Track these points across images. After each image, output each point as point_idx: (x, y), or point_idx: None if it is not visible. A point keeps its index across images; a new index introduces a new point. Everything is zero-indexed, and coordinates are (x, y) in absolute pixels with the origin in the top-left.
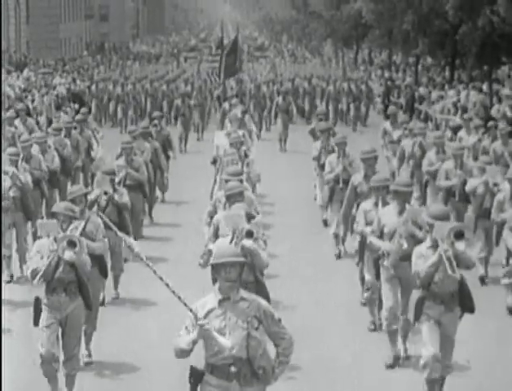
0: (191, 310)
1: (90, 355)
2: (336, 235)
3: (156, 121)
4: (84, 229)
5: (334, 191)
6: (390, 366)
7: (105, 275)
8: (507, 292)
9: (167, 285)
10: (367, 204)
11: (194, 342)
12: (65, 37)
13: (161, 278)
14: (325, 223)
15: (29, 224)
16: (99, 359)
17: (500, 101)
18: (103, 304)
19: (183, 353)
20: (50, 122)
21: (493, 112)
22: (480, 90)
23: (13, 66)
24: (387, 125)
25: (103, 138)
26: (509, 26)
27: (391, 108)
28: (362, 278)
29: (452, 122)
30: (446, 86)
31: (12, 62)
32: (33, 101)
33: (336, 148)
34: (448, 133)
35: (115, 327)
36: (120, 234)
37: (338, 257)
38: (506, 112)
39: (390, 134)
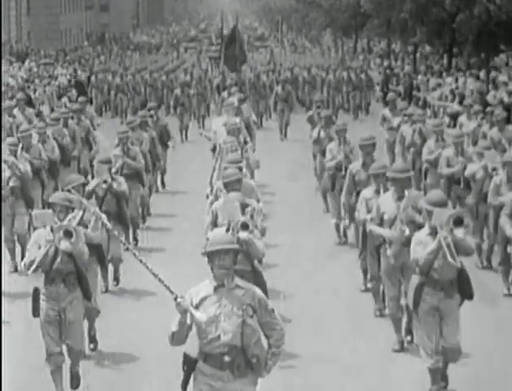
0: (172, 292)
1: (94, 340)
2: (337, 225)
3: (152, 112)
4: (82, 218)
5: (336, 178)
6: (398, 351)
7: (103, 264)
8: (503, 278)
9: (148, 269)
10: (367, 192)
11: (181, 323)
12: (66, 28)
13: (141, 261)
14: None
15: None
16: (98, 349)
17: (496, 88)
18: (106, 291)
19: (174, 337)
20: (52, 112)
21: (489, 98)
22: (477, 78)
23: (14, 56)
24: (386, 111)
25: (100, 126)
26: (506, 14)
27: (390, 95)
28: (364, 268)
29: (449, 109)
30: (444, 74)
31: (13, 53)
32: (35, 91)
33: (336, 136)
34: (446, 120)
35: (114, 318)
36: (107, 224)
37: (339, 243)
38: (503, 98)
39: (390, 121)
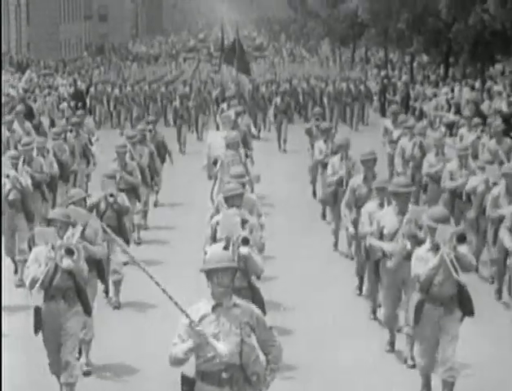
0: (188, 316)
1: (89, 363)
2: (335, 231)
3: (150, 126)
4: (83, 233)
5: (337, 193)
6: (389, 352)
7: (103, 279)
8: (497, 286)
9: (163, 290)
10: (371, 206)
11: (191, 350)
12: (65, 38)
13: (157, 284)
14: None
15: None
16: (100, 362)
17: (491, 98)
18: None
19: (179, 362)
20: (52, 122)
21: (484, 107)
22: (472, 88)
23: (14, 67)
24: (388, 123)
25: (98, 140)
26: (500, 24)
27: (393, 107)
28: (361, 275)
29: (445, 119)
30: (440, 84)
31: (13, 63)
32: (35, 101)
33: (338, 150)
34: (442, 129)
35: (117, 330)
36: (118, 240)
37: (335, 247)
38: (502, 108)
39: (392, 133)
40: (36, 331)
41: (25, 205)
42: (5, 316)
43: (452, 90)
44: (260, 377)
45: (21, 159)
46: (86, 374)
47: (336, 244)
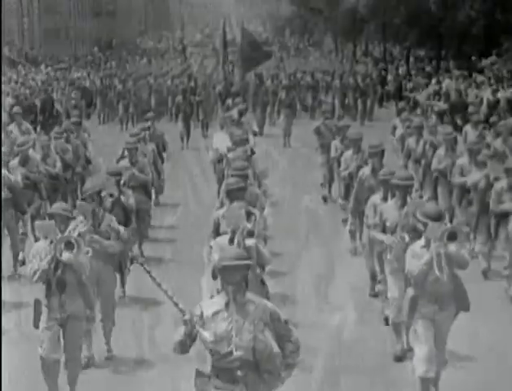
0: (178, 308)
1: (110, 350)
2: (351, 232)
3: (149, 123)
4: (99, 227)
5: (350, 187)
6: (399, 359)
7: (122, 272)
8: (508, 282)
9: (156, 281)
10: (376, 198)
11: (186, 333)
12: (75, 34)
13: (151, 277)
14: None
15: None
16: (115, 356)
17: (477, 87)
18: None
19: (178, 346)
20: (68, 115)
21: (470, 97)
22: (464, 78)
23: (29, 62)
24: (397, 121)
25: (89, 137)
26: (484, 19)
27: (401, 104)
28: (372, 272)
29: (436, 107)
30: (432, 75)
31: (29, 59)
32: (52, 91)
33: (350, 145)
34: (434, 118)
35: (131, 324)
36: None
37: (354, 253)
38: (489, 97)
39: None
40: (36, 325)
41: (14, 201)
42: (4, 311)
43: (439, 82)
44: (273, 374)
45: (16, 159)
46: (108, 359)
47: (353, 242)
